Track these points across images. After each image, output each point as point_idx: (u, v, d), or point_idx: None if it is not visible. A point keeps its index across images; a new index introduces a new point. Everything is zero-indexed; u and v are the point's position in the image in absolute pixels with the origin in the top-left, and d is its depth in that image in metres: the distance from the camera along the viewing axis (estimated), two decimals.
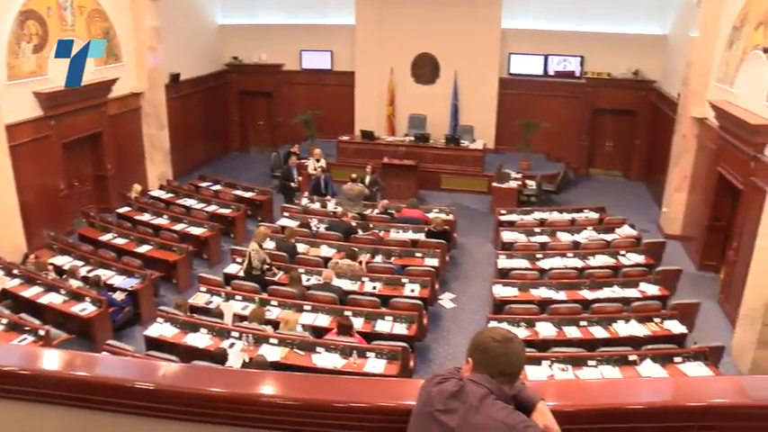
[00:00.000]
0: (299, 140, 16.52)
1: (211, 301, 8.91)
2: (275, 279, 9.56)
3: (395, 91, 17.23)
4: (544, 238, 11.32)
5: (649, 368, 7.11)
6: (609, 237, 11.22)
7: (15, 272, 9.42)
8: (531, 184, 14.68)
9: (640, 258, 10.32)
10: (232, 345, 7.64)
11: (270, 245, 10.40)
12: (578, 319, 8.30)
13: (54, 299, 8.86)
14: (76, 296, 8.85)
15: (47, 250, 10.53)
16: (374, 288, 9.35)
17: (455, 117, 16.76)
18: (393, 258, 10.44)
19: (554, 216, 12.45)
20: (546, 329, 8.11)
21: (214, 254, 11.62)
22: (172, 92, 15.42)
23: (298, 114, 17.52)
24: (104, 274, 9.67)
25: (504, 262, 10.31)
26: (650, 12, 15.77)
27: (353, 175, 13.05)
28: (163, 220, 12.00)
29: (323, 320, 8.39)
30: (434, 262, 10.29)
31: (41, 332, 7.80)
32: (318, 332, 8.15)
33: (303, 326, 8.17)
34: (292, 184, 13.77)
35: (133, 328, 9.30)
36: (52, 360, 2.33)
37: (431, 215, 12.11)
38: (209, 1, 18.06)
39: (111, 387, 2.03)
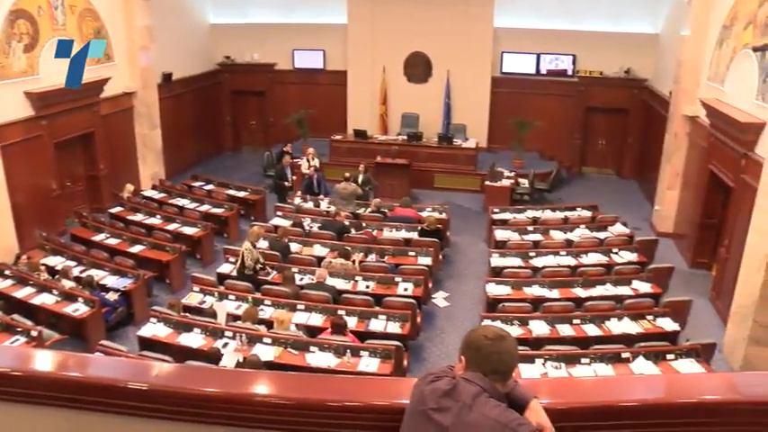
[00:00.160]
0: (291, 140, 16.48)
1: (204, 301, 8.90)
2: (268, 278, 9.55)
3: (387, 90, 17.24)
4: (537, 237, 11.35)
5: (642, 365, 7.13)
6: (602, 235, 11.25)
7: (7, 272, 9.37)
8: (524, 182, 14.72)
9: (633, 256, 10.36)
10: (225, 344, 7.63)
11: (263, 244, 10.39)
12: (571, 317, 8.32)
13: (46, 299, 8.82)
14: (69, 297, 8.82)
15: (39, 251, 10.48)
16: (367, 287, 9.35)
17: (448, 116, 16.80)
18: (386, 257, 10.44)
19: (547, 214, 12.47)
20: (539, 327, 8.13)
21: (207, 253, 11.60)
22: (164, 91, 15.37)
23: (290, 114, 17.48)
24: (97, 274, 9.63)
25: (497, 260, 10.33)
26: (642, 11, 15.83)
27: (347, 174, 13.05)
28: (155, 220, 11.97)
29: (316, 320, 8.39)
30: (428, 261, 10.30)
31: (34, 333, 7.76)
32: (312, 331, 8.14)
33: (297, 325, 8.17)
34: (286, 184, 13.77)
35: (126, 329, 9.27)
36: (45, 361, 2.32)
37: (424, 214, 12.12)
38: (201, 0, 18.00)
39: (104, 387, 2.02)
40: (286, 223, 11.62)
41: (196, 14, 17.78)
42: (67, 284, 9.11)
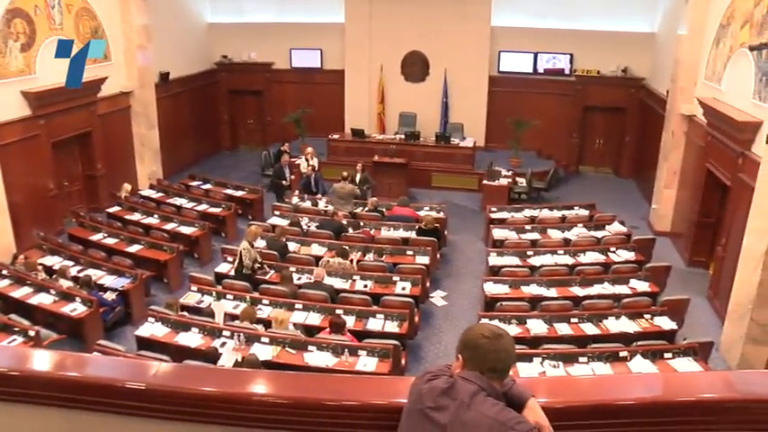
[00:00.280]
0: (289, 139, 16.48)
1: (202, 301, 8.89)
2: (266, 278, 9.54)
3: (385, 89, 17.24)
4: (535, 236, 11.35)
5: (640, 364, 7.14)
6: (599, 234, 11.26)
7: (4, 272, 9.35)
8: (522, 181, 14.73)
9: (630, 255, 10.37)
10: (223, 344, 7.62)
11: (261, 243, 10.38)
12: (569, 316, 8.32)
13: (44, 299, 8.81)
14: (67, 296, 8.80)
15: (36, 250, 10.46)
16: (365, 286, 9.35)
17: (445, 115, 16.81)
18: (384, 256, 10.44)
19: (544, 213, 12.48)
20: (537, 326, 8.13)
21: (205, 253, 11.59)
22: (161, 91, 15.35)
23: (288, 113, 17.49)
24: (95, 273, 9.62)
25: (494, 259, 10.34)
26: (639, 10, 15.85)
27: (344, 174, 13.05)
28: (153, 220, 11.96)
29: (314, 319, 8.39)
30: (425, 260, 10.30)
31: (31, 333, 7.76)
32: (310, 331, 8.14)
33: (295, 324, 8.16)
34: (284, 183, 13.76)
35: (124, 328, 9.27)
36: (42, 361, 2.32)
37: (421, 213, 12.12)
38: None
39: (102, 387, 2.02)
40: (284, 222, 11.61)
41: (193, 14, 17.76)
42: (65, 284, 9.10)
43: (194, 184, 14.28)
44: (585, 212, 12.43)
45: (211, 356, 7.10)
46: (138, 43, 13.97)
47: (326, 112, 17.73)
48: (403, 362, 7.92)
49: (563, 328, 8.14)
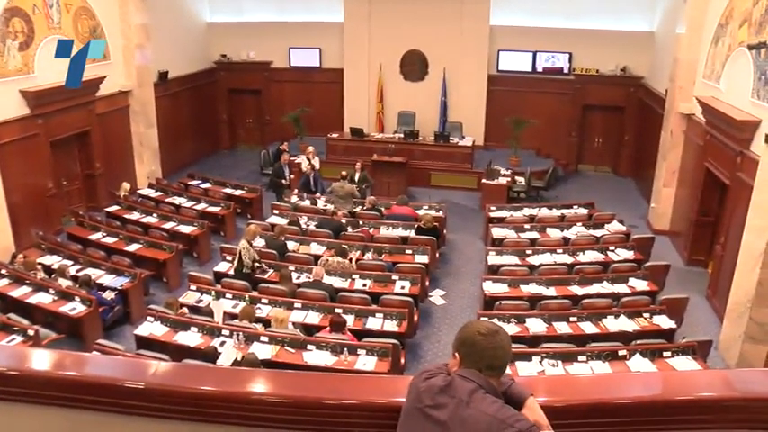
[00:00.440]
0: (288, 138, 16.49)
1: (201, 300, 8.89)
2: (265, 277, 9.54)
3: (384, 88, 17.23)
4: (534, 235, 11.36)
5: (639, 363, 7.15)
6: (598, 233, 11.26)
7: (3, 271, 9.35)
8: (521, 180, 14.73)
9: (629, 254, 10.38)
10: (223, 343, 7.62)
11: (260, 243, 10.38)
12: (568, 315, 8.33)
13: (43, 298, 8.80)
14: (66, 296, 8.80)
15: (35, 250, 10.47)
16: (364, 285, 9.34)
17: (444, 114, 16.80)
18: (383, 255, 10.44)
19: (543, 212, 12.49)
20: (536, 325, 8.14)
21: (204, 252, 11.60)
22: (160, 90, 15.34)
23: (287, 112, 17.49)
24: (94, 273, 9.61)
25: (493, 258, 10.35)
26: (638, 8, 15.86)
27: (343, 173, 13.05)
28: (152, 219, 11.95)
29: (314, 318, 8.39)
30: (424, 259, 10.31)
31: (30, 332, 7.75)
32: (309, 330, 8.14)
33: (294, 323, 8.16)
34: (284, 182, 13.75)
35: (123, 327, 9.27)
36: (41, 360, 2.31)
37: (420, 212, 12.12)
38: None
39: (102, 386, 2.02)
40: (283, 222, 11.62)
41: (192, 13, 17.75)
42: (64, 283, 9.09)
43: (193, 183, 14.27)
44: (584, 211, 12.43)
45: (211, 355, 7.10)
46: (136, 42, 13.97)
47: (325, 111, 17.73)
48: (402, 361, 7.92)
49: (562, 327, 8.15)
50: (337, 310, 8.37)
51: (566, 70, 16.78)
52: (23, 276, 9.23)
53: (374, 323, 8.30)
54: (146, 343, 7.91)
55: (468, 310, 9.94)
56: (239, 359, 7.16)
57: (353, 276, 9.56)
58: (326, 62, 18.09)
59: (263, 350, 7.44)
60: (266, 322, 8.14)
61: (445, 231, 12.26)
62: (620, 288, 9.18)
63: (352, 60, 17.38)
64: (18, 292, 8.95)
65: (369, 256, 10.42)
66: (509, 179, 14.57)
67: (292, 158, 14.76)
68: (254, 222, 11.07)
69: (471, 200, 14.77)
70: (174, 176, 15.44)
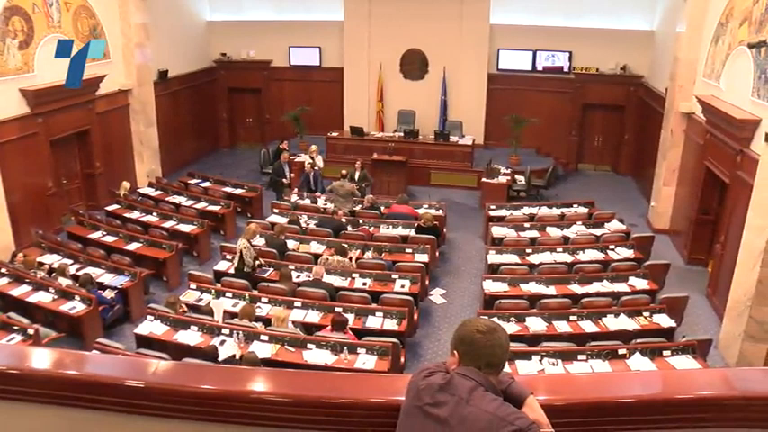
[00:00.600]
0: (288, 137, 16.47)
1: (201, 299, 8.90)
2: (265, 276, 9.54)
3: (384, 87, 17.22)
4: (534, 234, 11.35)
5: (638, 362, 7.16)
6: (598, 231, 11.27)
7: (3, 270, 9.34)
8: (521, 179, 14.73)
9: (629, 253, 10.38)
10: (223, 342, 7.63)
11: (260, 241, 10.38)
12: (568, 314, 8.33)
13: (43, 297, 8.80)
14: (66, 294, 8.80)
15: (35, 248, 10.46)
16: (364, 284, 9.35)
17: (444, 113, 16.80)
18: (383, 254, 10.44)
19: (543, 211, 12.49)
20: (536, 324, 8.14)
21: (204, 251, 11.60)
22: (160, 89, 15.34)
23: (287, 111, 17.50)
24: (94, 272, 9.61)
25: (493, 257, 10.35)
26: (638, 7, 15.86)
27: (343, 171, 13.06)
28: (152, 218, 11.95)
29: (313, 317, 8.40)
30: (424, 258, 10.31)
31: (30, 331, 7.75)
32: (309, 328, 8.15)
33: (294, 322, 8.17)
34: (285, 181, 13.74)
35: (123, 326, 9.27)
36: (41, 359, 2.31)
37: (420, 211, 12.12)
38: None
39: (101, 385, 2.02)
40: (283, 221, 11.62)
41: (192, 11, 17.74)
42: (64, 282, 9.09)
43: (193, 182, 14.26)
44: (584, 210, 12.44)
45: (211, 354, 7.10)
46: (136, 41, 13.97)
47: (325, 110, 17.73)
48: (402, 360, 7.93)
49: (562, 326, 8.15)
50: (337, 309, 8.37)
51: (566, 69, 16.78)
52: (23, 275, 9.23)
53: (374, 322, 8.31)
54: (146, 342, 7.91)
55: (468, 308, 9.95)
56: (238, 357, 7.17)
57: (353, 275, 9.56)
58: (326, 61, 18.09)
59: (262, 349, 7.44)
60: (266, 321, 8.15)
61: (445, 230, 12.26)
62: (620, 287, 9.18)
63: (352, 59, 17.38)
64: (18, 291, 8.94)
65: (369, 254, 10.42)
66: (509, 178, 14.57)
67: (292, 157, 14.75)
68: (254, 221, 11.08)
69: (471, 199, 14.77)
70: (173, 175, 15.45)
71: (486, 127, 17.12)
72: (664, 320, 8.19)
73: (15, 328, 7.84)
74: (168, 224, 11.67)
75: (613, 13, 15.94)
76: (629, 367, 7.09)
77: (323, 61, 18.16)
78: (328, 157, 15.81)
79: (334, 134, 16.55)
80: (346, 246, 10.23)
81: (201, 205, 12.76)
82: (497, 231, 11.41)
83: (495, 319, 7.69)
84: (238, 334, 7.67)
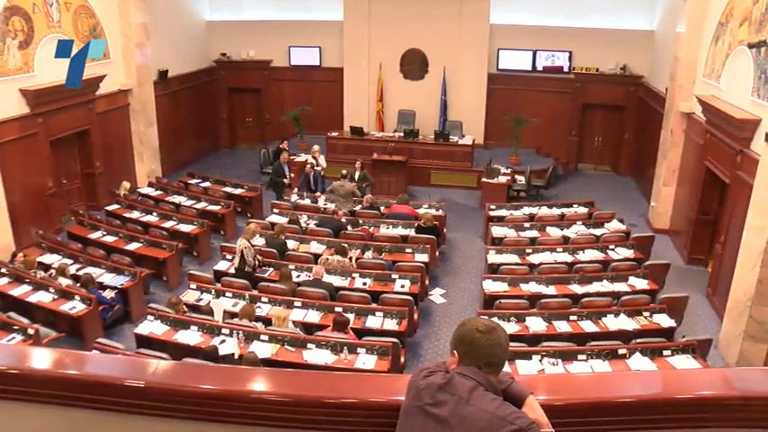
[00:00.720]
0: (288, 137, 16.47)
1: (201, 299, 8.90)
2: (265, 276, 9.54)
3: (384, 87, 17.22)
4: (534, 234, 11.35)
5: (639, 362, 7.16)
6: (598, 231, 11.27)
7: (3, 270, 9.34)
8: (521, 179, 14.73)
9: (629, 253, 10.38)
10: (223, 342, 7.63)
11: (260, 241, 10.38)
12: (568, 314, 8.33)
13: (43, 297, 8.80)
14: (66, 294, 8.80)
15: (35, 248, 10.46)
16: (364, 284, 9.34)
17: (444, 113, 16.80)
18: (383, 254, 10.44)
19: (543, 211, 12.49)
20: (536, 324, 8.14)
21: (204, 251, 11.60)
22: (160, 88, 15.34)
23: (287, 111, 17.49)
24: (94, 272, 9.60)
25: (493, 257, 10.35)
26: (638, 7, 15.86)
27: (343, 171, 13.06)
28: (152, 218, 11.95)
29: (313, 317, 8.40)
30: (424, 258, 10.30)
31: (30, 331, 7.74)
32: (309, 328, 8.15)
33: (294, 322, 8.17)
34: (285, 181, 13.73)
35: (123, 326, 9.27)
36: (41, 359, 2.31)
37: (420, 211, 12.11)
38: None
39: (102, 385, 2.02)
40: (283, 221, 11.62)
41: (192, 11, 17.74)
42: (64, 282, 9.09)
43: (193, 181, 14.27)
44: (584, 210, 12.44)
45: (211, 354, 7.10)
46: (136, 41, 13.96)
47: (325, 109, 17.73)
48: (402, 359, 7.92)
49: (562, 326, 8.15)
50: (337, 309, 8.37)
51: (566, 69, 16.78)
52: (23, 275, 9.23)
53: (374, 322, 8.31)
54: (146, 342, 7.91)
55: (468, 308, 9.95)
56: (236, 356, 7.17)
57: (353, 275, 9.56)
58: (326, 61, 18.09)
59: (263, 349, 7.45)
60: (266, 321, 8.15)
61: (445, 230, 12.26)
62: (620, 287, 9.18)
63: (352, 59, 17.37)
64: (18, 291, 8.94)
65: (369, 254, 10.42)
66: (509, 178, 14.57)
67: (292, 157, 14.74)
68: (254, 221, 11.08)
69: (471, 198, 14.77)
70: (173, 175, 15.44)
71: (486, 127, 17.12)
72: (664, 320, 8.19)
73: (15, 328, 7.84)
74: (168, 224, 11.67)
75: (613, 13, 15.95)
76: (629, 367, 7.09)
77: (323, 61, 18.16)
78: (328, 157, 15.78)
79: (334, 134, 16.56)
80: (346, 246, 10.23)
81: (201, 205, 12.76)
82: (497, 231, 11.41)
83: (495, 319, 7.70)
84: (238, 334, 7.67)
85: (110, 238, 10.95)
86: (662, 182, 12.79)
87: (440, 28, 16.60)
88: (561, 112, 16.91)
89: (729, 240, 9.48)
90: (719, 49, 10.63)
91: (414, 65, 17.27)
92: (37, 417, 2.07)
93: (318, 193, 13.46)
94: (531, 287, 9.21)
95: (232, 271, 9.65)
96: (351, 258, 10.00)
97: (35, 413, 2.06)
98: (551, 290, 9.15)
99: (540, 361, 7.18)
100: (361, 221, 11.67)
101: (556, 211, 12.44)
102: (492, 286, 9.21)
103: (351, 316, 8.31)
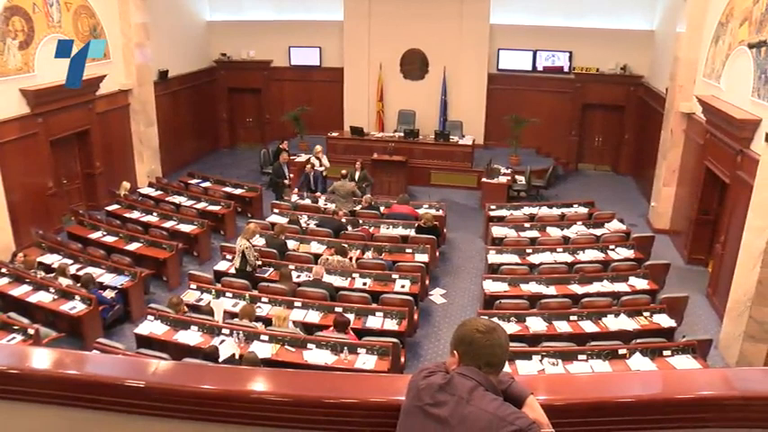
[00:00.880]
0: (288, 137, 16.48)
1: (201, 299, 8.90)
2: (266, 276, 9.54)
3: (384, 87, 17.22)
4: (534, 234, 11.35)
5: (639, 362, 7.16)
6: (598, 231, 11.27)
7: (3, 270, 9.34)
8: (521, 179, 14.73)
9: (629, 253, 10.38)
10: (222, 342, 7.63)
11: (260, 241, 10.38)
12: (568, 314, 8.33)
13: (43, 297, 8.80)
14: (66, 294, 8.80)
15: (35, 248, 10.46)
16: (365, 284, 9.34)
17: (444, 113, 16.80)
18: (383, 254, 10.44)
19: (543, 211, 12.49)
20: (536, 324, 8.14)
21: (204, 251, 11.60)
22: (160, 89, 15.34)
23: (287, 111, 17.49)
24: (94, 272, 9.61)
25: (494, 257, 10.35)
26: (638, 7, 15.86)
27: (343, 171, 13.05)
28: (152, 218, 11.95)
29: (314, 317, 8.40)
30: (424, 258, 10.30)
31: (31, 331, 7.75)
32: (309, 328, 8.15)
33: (294, 322, 8.17)
34: (286, 182, 13.73)
35: (123, 326, 9.27)
36: (42, 359, 2.31)
37: (421, 211, 12.11)
38: None
39: (102, 385, 2.02)
40: (283, 221, 11.61)
41: (192, 11, 17.74)
42: (64, 282, 9.09)
43: (193, 182, 14.27)
44: (584, 210, 12.44)
45: (211, 354, 7.10)
46: (136, 41, 13.97)
47: (325, 110, 17.74)
48: (402, 360, 7.93)
49: (562, 326, 8.15)
50: (337, 309, 8.37)
51: (566, 69, 16.78)
52: (23, 275, 9.23)
53: (374, 322, 8.31)
54: (146, 342, 7.91)
55: (468, 308, 9.95)
56: (237, 356, 7.17)
57: (353, 275, 9.56)
58: (326, 61, 18.09)
59: (263, 349, 7.45)
60: (266, 321, 8.15)
61: (445, 230, 12.26)
62: (621, 287, 9.18)
63: (353, 59, 17.38)
64: (18, 291, 8.94)
65: (369, 254, 10.42)
66: (509, 178, 14.57)
67: (292, 157, 14.74)
68: (254, 221, 11.08)
69: (471, 199, 14.77)
70: (174, 175, 15.45)
71: (486, 127, 17.12)
72: (664, 320, 8.19)
73: (15, 328, 7.84)
74: (168, 224, 11.67)
75: (613, 13, 15.95)
76: (630, 367, 7.09)
77: (323, 61, 18.16)
78: (328, 158, 15.77)
79: (335, 134, 16.56)
80: (346, 246, 10.23)
81: (201, 205, 12.76)
82: (497, 231, 11.41)
83: (495, 319, 7.70)
84: (238, 334, 7.67)
85: (110, 239, 10.96)
86: (662, 182, 12.79)
87: (440, 28, 16.60)
88: (561, 112, 16.91)
89: (729, 240, 9.48)
90: (720, 49, 10.63)
91: (414, 65, 17.27)
92: (37, 417, 2.07)
93: (318, 194, 13.47)
94: (532, 287, 9.21)
95: (232, 271, 9.65)
96: (351, 258, 10.00)
97: (35, 413, 2.06)
98: (551, 290, 9.15)
99: (541, 361, 7.18)
100: (361, 221, 11.67)
101: (556, 212, 12.45)
102: (492, 286, 9.21)
103: (351, 316, 8.31)
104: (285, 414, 1.95)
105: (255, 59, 18.54)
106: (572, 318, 8.27)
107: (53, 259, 10.09)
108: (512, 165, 15.37)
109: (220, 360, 7.10)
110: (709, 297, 10.23)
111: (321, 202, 12.94)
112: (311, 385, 2.09)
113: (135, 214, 12.12)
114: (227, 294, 8.91)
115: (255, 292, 8.95)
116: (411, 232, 11.20)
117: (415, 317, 8.94)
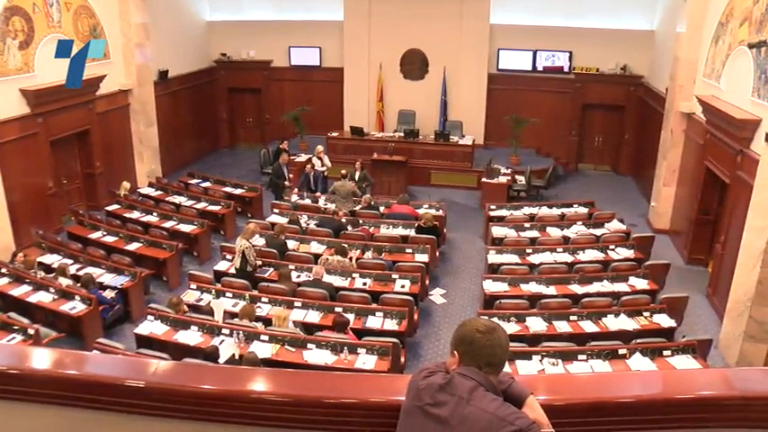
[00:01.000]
0: (288, 137, 16.47)
1: (201, 299, 8.90)
2: (265, 276, 9.54)
3: (384, 87, 17.22)
4: (534, 234, 11.35)
5: (639, 362, 7.16)
6: (598, 231, 11.27)
7: (4, 270, 9.34)
8: (521, 179, 14.73)
9: (629, 253, 10.38)
10: (222, 342, 7.63)
11: (260, 241, 10.38)
12: (568, 314, 8.33)
13: (43, 297, 8.80)
14: (66, 295, 8.79)
15: (35, 248, 10.46)
16: (365, 284, 9.34)
17: (444, 113, 16.80)
18: (383, 254, 10.44)
19: (543, 211, 12.49)
20: (536, 324, 8.14)
21: (204, 251, 11.60)
22: (160, 89, 15.34)
23: (287, 111, 17.49)
24: (94, 272, 9.60)
25: (494, 257, 10.34)
26: (638, 7, 15.87)
27: (343, 171, 13.06)
28: (152, 218, 11.95)
29: (314, 317, 8.40)
30: (424, 258, 10.30)
31: (31, 331, 7.75)
32: (309, 328, 8.15)
33: (294, 322, 8.17)
34: (286, 183, 13.72)
35: (123, 326, 9.27)
36: (42, 359, 2.31)
37: (421, 211, 12.11)
38: None
39: (102, 385, 2.02)
40: (283, 221, 11.61)
41: (192, 11, 17.74)
42: (64, 282, 9.09)
43: (193, 182, 14.27)
44: (584, 210, 12.44)
45: (211, 355, 7.10)
46: (136, 41, 13.97)
47: (325, 110, 17.74)
48: (402, 360, 7.92)
49: (562, 326, 8.15)
50: (337, 309, 8.37)
51: (566, 69, 16.78)
52: (23, 275, 9.22)
53: (374, 322, 8.31)
54: (146, 342, 7.91)
55: (468, 308, 9.95)
56: (237, 357, 7.17)
57: (353, 275, 9.56)
58: (326, 61, 18.09)
59: (263, 349, 7.45)
60: (266, 321, 8.15)
61: (445, 230, 12.26)
62: (621, 287, 9.18)
63: (353, 59, 17.38)
64: (18, 291, 8.94)
65: (369, 254, 10.42)
66: (509, 178, 14.57)
67: (292, 157, 14.73)
68: (254, 221, 11.08)
69: (471, 199, 14.77)
70: (174, 175, 15.45)
71: (486, 127, 17.12)
72: (664, 320, 8.19)
73: (15, 328, 7.84)
74: (168, 224, 11.67)
75: (613, 13, 15.95)
76: (630, 367, 7.09)
77: (323, 61, 18.16)
78: (328, 157, 15.80)
79: (335, 134, 16.56)
80: (346, 246, 10.23)
81: (201, 205, 12.76)
82: (497, 231, 11.41)
83: (495, 319, 7.69)
84: (238, 334, 7.67)
85: (110, 239, 10.95)
86: (662, 182, 12.79)
87: (440, 28, 16.60)
88: (561, 112, 16.91)
89: (729, 240, 9.48)
90: (720, 50, 10.63)
91: (414, 65, 17.27)
92: (37, 417, 2.07)
93: (319, 194, 13.46)
94: (532, 287, 9.21)
95: (232, 271, 9.64)
96: (351, 258, 10.00)
97: (35, 413, 2.06)
98: (551, 290, 9.15)
99: (541, 361, 7.18)
100: (361, 221, 11.67)
101: (556, 212, 12.44)
102: (492, 286, 9.20)
103: (351, 316, 8.31)
104: (285, 414, 1.95)
105: (255, 59, 18.54)
106: (572, 318, 8.27)
107: (53, 259, 10.09)
108: (512, 165, 15.37)
109: (221, 361, 7.11)
110: (709, 297, 10.23)
111: (321, 202, 12.94)
112: (311, 385, 2.09)
113: (135, 214, 12.12)
114: (227, 294, 8.91)
115: (255, 292, 8.95)
116: (411, 232, 11.20)
117: (415, 317, 8.94)
